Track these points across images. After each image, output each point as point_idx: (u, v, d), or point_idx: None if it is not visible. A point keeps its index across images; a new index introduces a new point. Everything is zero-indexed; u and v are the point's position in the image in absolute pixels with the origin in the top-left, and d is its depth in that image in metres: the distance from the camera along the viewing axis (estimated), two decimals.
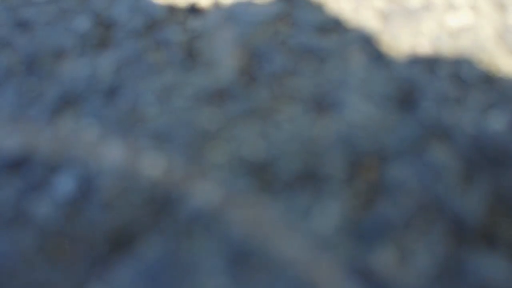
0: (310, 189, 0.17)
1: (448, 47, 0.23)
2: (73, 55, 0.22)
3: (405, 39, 0.23)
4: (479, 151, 0.18)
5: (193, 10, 0.26)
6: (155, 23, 0.24)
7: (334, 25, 0.24)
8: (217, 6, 0.26)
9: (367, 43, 0.23)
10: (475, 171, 0.18)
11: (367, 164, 0.18)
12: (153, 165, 0.17)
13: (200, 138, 0.18)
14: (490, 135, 0.19)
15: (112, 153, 0.17)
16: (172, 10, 0.25)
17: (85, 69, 0.21)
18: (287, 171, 0.17)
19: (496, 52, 0.23)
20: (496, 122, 0.19)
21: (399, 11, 0.25)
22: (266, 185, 0.16)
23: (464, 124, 0.19)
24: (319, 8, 0.25)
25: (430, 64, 0.22)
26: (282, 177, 0.17)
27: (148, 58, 0.22)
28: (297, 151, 0.18)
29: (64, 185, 0.16)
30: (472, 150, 0.18)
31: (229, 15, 0.25)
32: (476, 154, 0.18)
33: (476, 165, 0.18)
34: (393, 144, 0.18)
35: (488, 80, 0.21)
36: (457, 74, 0.22)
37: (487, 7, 0.25)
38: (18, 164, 0.18)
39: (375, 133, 0.19)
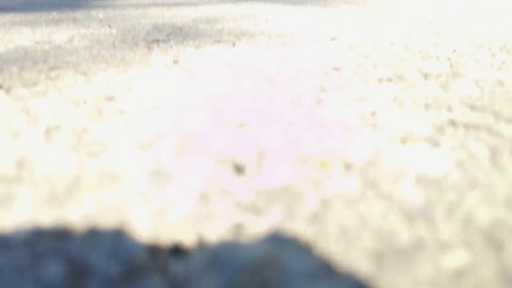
0: None
1: None
2: None
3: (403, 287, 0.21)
4: None
5: (177, 250, 0.24)
6: (133, 270, 0.23)
7: (324, 271, 0.22)
8: (202, 246, 0.24)
9: None
10: None
11: None
12: None
13: None
14: None
15: None
16: (154, 251, 0.24)
17: None
18: None
19: None
20: None
21: (391, 252, 0.24)
22: None
23: None
24: (307, 251, 0.24)
25: None
26: None
27: None
28: None
29: None
30: None
31: (214, 258, 0.23)
32: None
33: None
34: None
35: None
36: None
37: (482, 247, 0.24)
38: None
39: None
